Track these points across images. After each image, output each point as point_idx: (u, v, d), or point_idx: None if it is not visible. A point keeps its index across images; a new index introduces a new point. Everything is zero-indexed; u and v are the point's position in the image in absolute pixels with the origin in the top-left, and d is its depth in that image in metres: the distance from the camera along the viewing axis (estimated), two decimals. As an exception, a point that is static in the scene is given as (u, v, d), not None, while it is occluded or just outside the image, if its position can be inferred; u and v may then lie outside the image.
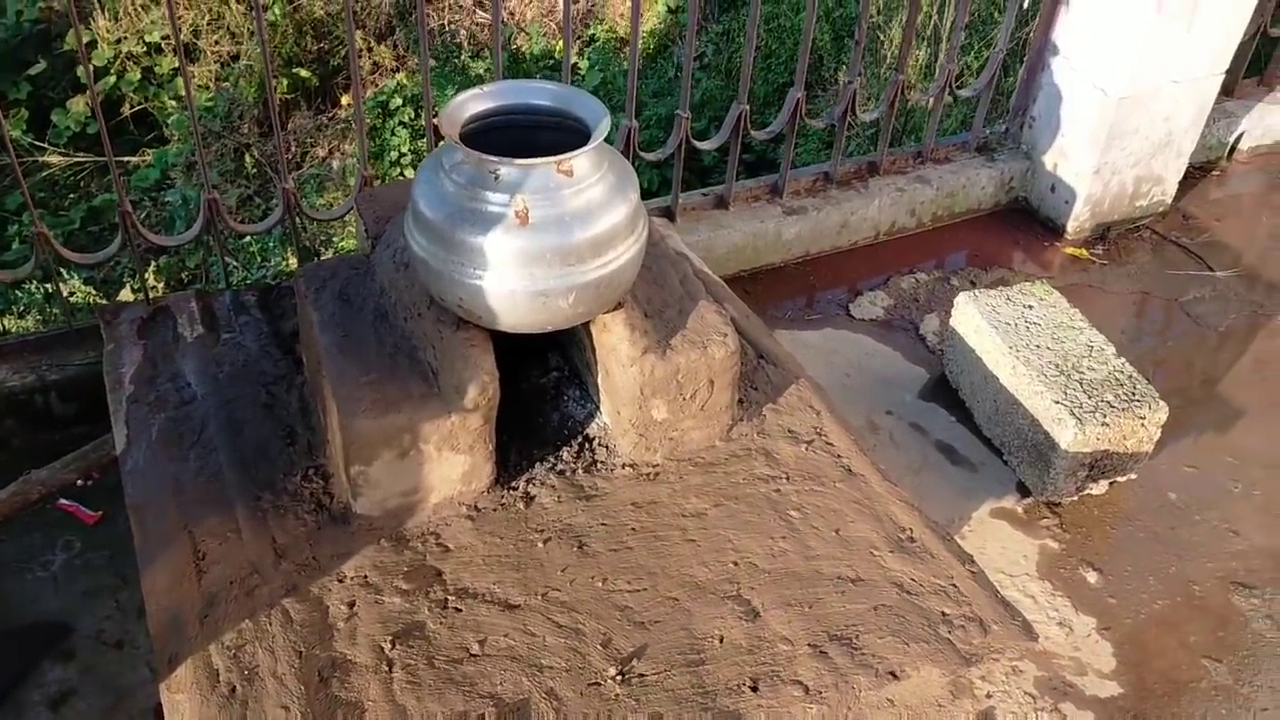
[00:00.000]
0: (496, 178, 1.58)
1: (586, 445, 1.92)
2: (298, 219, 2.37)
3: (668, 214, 2.80)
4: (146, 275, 4.30)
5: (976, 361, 2.47)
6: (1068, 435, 2.21)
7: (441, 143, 1.70)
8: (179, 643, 1.55)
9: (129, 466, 1.82)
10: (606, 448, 1.91)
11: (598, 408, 1.95)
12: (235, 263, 4.97)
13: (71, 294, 4.61)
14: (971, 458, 2.46)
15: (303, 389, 1.98)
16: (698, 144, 2.72)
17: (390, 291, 1.84)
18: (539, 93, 1.73)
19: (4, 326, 4.43)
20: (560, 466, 1.88)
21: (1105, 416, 2.22)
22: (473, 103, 1.69)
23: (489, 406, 1.71)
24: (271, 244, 4.83)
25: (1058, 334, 2.41)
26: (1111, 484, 2.38)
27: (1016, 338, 2.39)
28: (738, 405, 1.98)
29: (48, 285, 4.38)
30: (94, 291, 4.45)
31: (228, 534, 1.71)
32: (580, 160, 1.61)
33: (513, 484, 1.83)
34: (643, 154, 2.64)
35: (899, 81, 2.92)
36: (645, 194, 4.24)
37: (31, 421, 2.23)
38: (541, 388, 2.02)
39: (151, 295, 3.47)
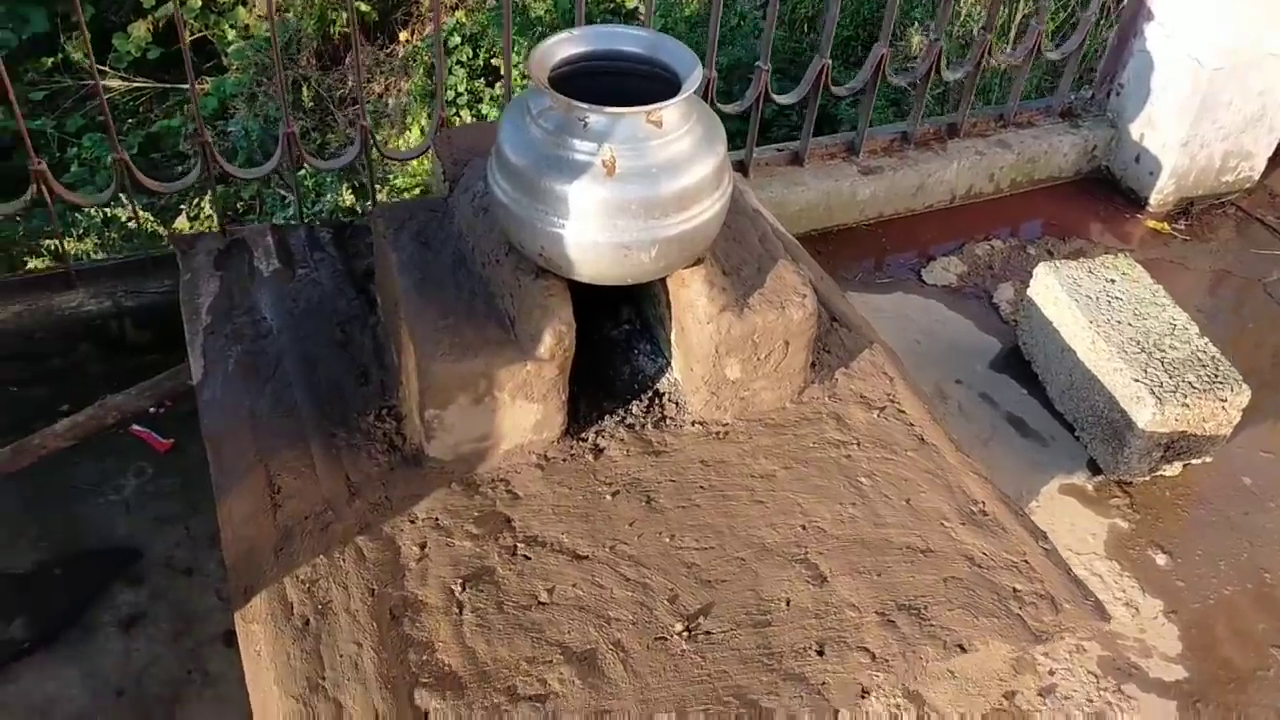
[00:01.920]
0: (585, 125, 1.55)
1: (656, 400, 1.91)
2: (370, 157, 2.36)
3: (741, 168, 2.76)
4: (203, 204, 4.34)
5: (1054, 334, 2.41)
6: (1146, 414, 2.16)
7: (527, 87, 1.67)
8: (254, 574, 1.57)
9: (205, 397, 1.84)
10: (676, 403, 1.90)
11: (668, 363, 1.94)
12: (290, 196, 4.99)
13: (130, 219, 4.65)
14: (1042, 432, 2.42)
15: (376, 329, 1.98)
16: (777, 98, 2.67)
17: (468, 236, 1.82)
18: (629, 39, 1.69)
19: (61, 247, 4.48)
20: (629, 420, 1.87)
21: (1186, 397, 2.17)
22: (561, 47, 1.66)
23: (564, 356, 1.70)
24: (329, 179, 4.84)
25: (1140, 310, 2.35)
26: (1185, 466, 2.33)
27: (1097, 312, 2.33)
28: (810, 368, 1.95)
29: (105, 210, 4.42)
30: (152, 218, 4.48)
31: (302, 469, 1.72)
32: (670, 111, 1.58)
33: (582, 435, 1.83)
34: (719, 105, 2.59)
35: (986, 41, 2.84)
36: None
37: (107, 347, 2.26)
38: (612, 340, 2.00)
39: (207, 225, 3.47)
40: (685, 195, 1.60)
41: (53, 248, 4.40)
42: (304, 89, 5.58)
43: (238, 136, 5.28)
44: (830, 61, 2.66)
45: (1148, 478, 2.31)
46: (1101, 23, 3.49)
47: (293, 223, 2.40)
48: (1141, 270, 2.46)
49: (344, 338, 1.97)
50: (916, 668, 1.57)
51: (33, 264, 4.36)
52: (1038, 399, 2.49)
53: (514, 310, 1.71)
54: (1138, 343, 2.27)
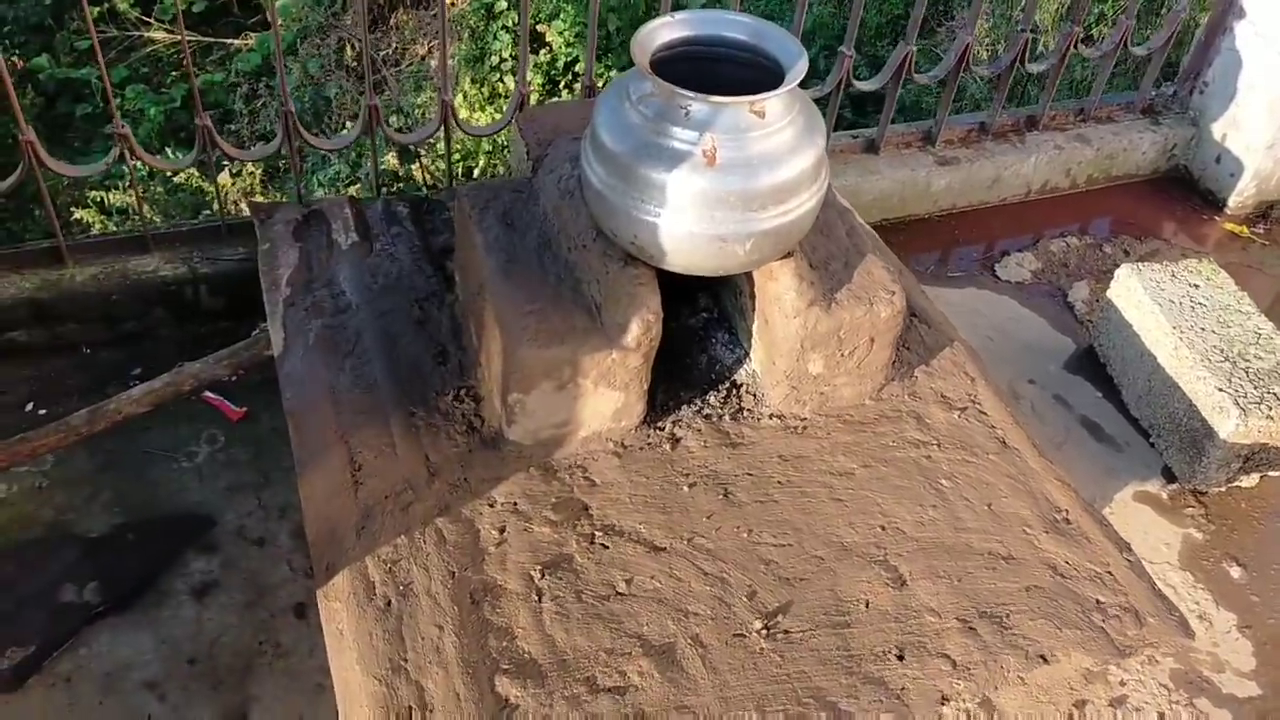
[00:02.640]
0: (686, 114, 1.53)
1: (734, 391, 1.88)
2: (451, 130, 2.34)
3: (817, 155, 2.72)
4: (252, 168, 4.34)
5: (1133, 337, 2.37)
6: (1229, 425, 2.12)
7: (628, 70, 1.64)
8: (336, 552, 1.57)
9: (286, 370, 1.84)
10: (754, 395, 1.88)
11: (747, 354, 1.92)
12: (333, 156, 4.96)
13: (173, 174, 4.65)
14: (1117, 437, 2.38)
15: (454, 308, 1.97)
16: (859, 84, 2.62)
17: (554, 219, 1.80)
18: (732, 25, 1.66)
19: (109, 200, 4.45)
20: (707, 411, 1.85)
21: (1271, 409, 2.12)
22: (664, 30, 1.63)
23: (650, 346, 1.68)
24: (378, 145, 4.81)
25: (1224, 317, 2.30)
26: (1263, 477, 2.29)
27: (1180, 317, 2.28)
28: (890, 365, 1.92)
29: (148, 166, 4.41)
30: (197, 173, 4.49)
31: (383, 447, 1.72)
32: (773, 102, 1.55)
33: (659, 424, 1.81)
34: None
35: (1073, 33, 2.77)
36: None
37: (180, 312, 2.26)
38: (690, 329, 1.98)
39: (249, 182, 3.44)
40: (783, 188, 1.57)
41: (99, 199, 4.42)
42: (347, 49, 5.55)
43: (267, 93, 5.26)
44: (915, 49, 2.60)
45: (1223, 488, 2.27)
46: (1192, 19, 3.41)
47: (368, 196, 2.38)
48: (1225, 276, 2.40)
49: (422, 315, 1.96)
50: (998, 676, 1.55)
51: (79, 214, 4.38)
52: (1113, 403, 2.45)
53: (600, 297, 1.69)
54: (1221, 351, 2.22)
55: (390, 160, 4.89)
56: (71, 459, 2.03)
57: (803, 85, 2.53)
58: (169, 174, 4.57)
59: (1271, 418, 2.12)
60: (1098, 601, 1.65)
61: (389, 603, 1.51)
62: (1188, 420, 2.22)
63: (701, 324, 2.00)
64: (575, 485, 1.72)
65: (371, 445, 1.72)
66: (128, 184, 4.61)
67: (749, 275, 1.80)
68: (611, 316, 1.67)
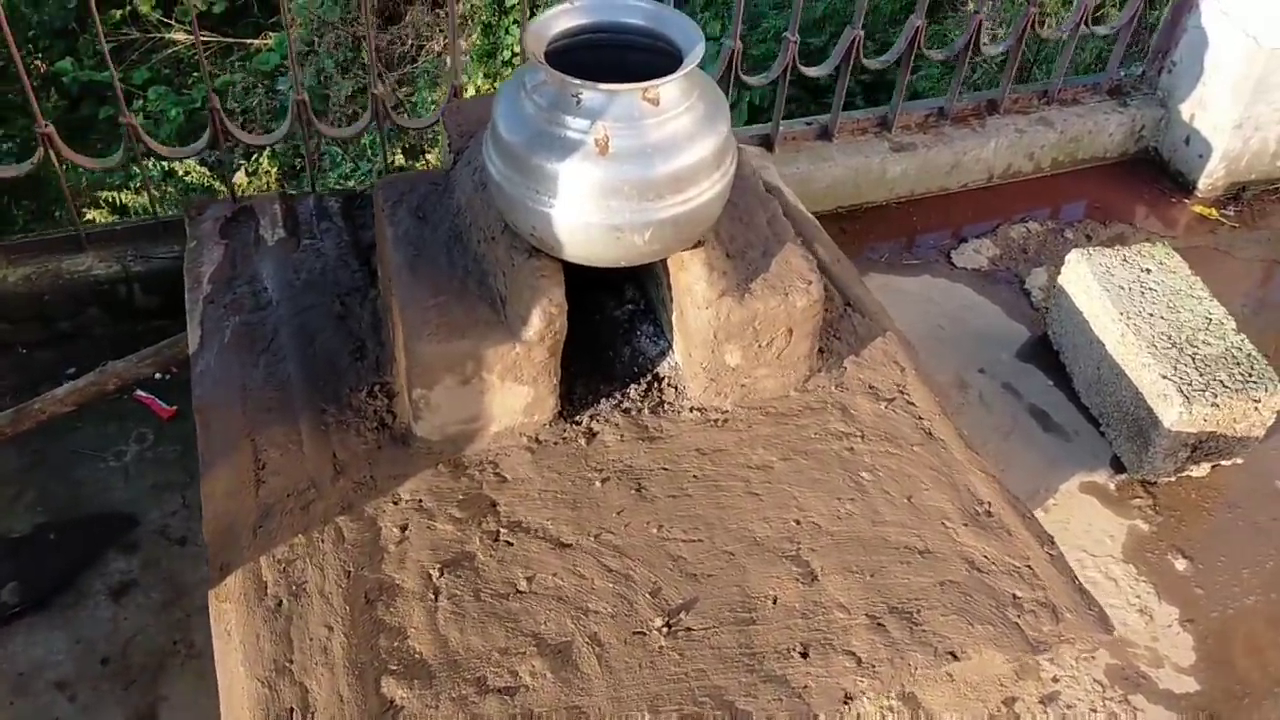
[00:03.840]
0: (578, 102, 1.50)
1: (655, 384, 1.86)
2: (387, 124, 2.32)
3: (766, 143, 2.68)
4: (262, 160, 4.34)
5: (1082, 324, 2.32)
6: (1172, 413, 2.07)
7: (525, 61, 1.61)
8: (232, 551, 1.55)
9: (199, 368, 1.83)
10: (676, 389, 1.85)
11: (670, 346, 1.89)
12: (345, 154, 4.99)
13: (187, 173, 4.68)
14: (1066, 426, 2.33)
15: (376, 302, 1.95)
16: (805, 70, 2.58)
17: (467, 211, 1.78)
18: (631, 10, 1.63)
19: (121, 201, 4.49)
20: (626, 404, 1.82)
21: (1216, 396, 2.07)
22: (561, 19, 1.60)
23: (555, 339, 1.66)
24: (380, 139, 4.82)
25: (1174, 302, 2.25)
26: (1214, 467, 2.23)
27: (1129, 303, 2.23)
28: (818, 355, 1.89)
29: (164, 163, 4.44)
30: (209, 173, 4.52)
31: (289, 445, 1.70)
32: (669, 88, 1.51)
33: (576, 418, 1.78)
34: (745, 78, 2.51)
35: (1030, 13, 2.72)
36: (755, 117, 4.05)
37: (114, 311, 2.25)
38: (615, 320, 1.95)
39: (265, 181, 3.48)
40: (682, 176, 1.54)
41: (112, 200, 4.45)
42: (362, 46, 5.55)
43: (285, 95, 5.29)
44: (863, 33, 2.55)
45: (1173, 478, 2.22)
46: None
47: (307, 191, 2.37)
48: (1179, 260, 2.35)
49: (343, 310, 1.94)
50: (904, 674, 1.52)
51: (91, 215, 4.42)
52: (1064, 391, 2.40)
53: (506, 290, 1.66)
54: (1169, 337, 2.17)
55: (397, 157, 4.89)
56: (-1, 459, 2.03)
57: (757, 69, 2.50)
58: (183, 173, 4.59)
59: (1217, 405, 2.07)
60: (1014, 596, 1.61)
61: (280, 603, 1.49)
62: (1134, 409, 2.17)
63: (627, 316, 1.97)
64: (484, 481, 1.69)
65: (278, 443, 1.70)
66: (139, 183, 4.65)
67: (666, 266, 1.77)
68: (515, 310, 1.64)
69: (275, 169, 4.63)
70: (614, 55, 1.64)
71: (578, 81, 1.48)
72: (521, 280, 1.63)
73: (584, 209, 1.53)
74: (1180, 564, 2.10)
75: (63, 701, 1.70)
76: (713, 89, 1.62)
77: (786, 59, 2.51)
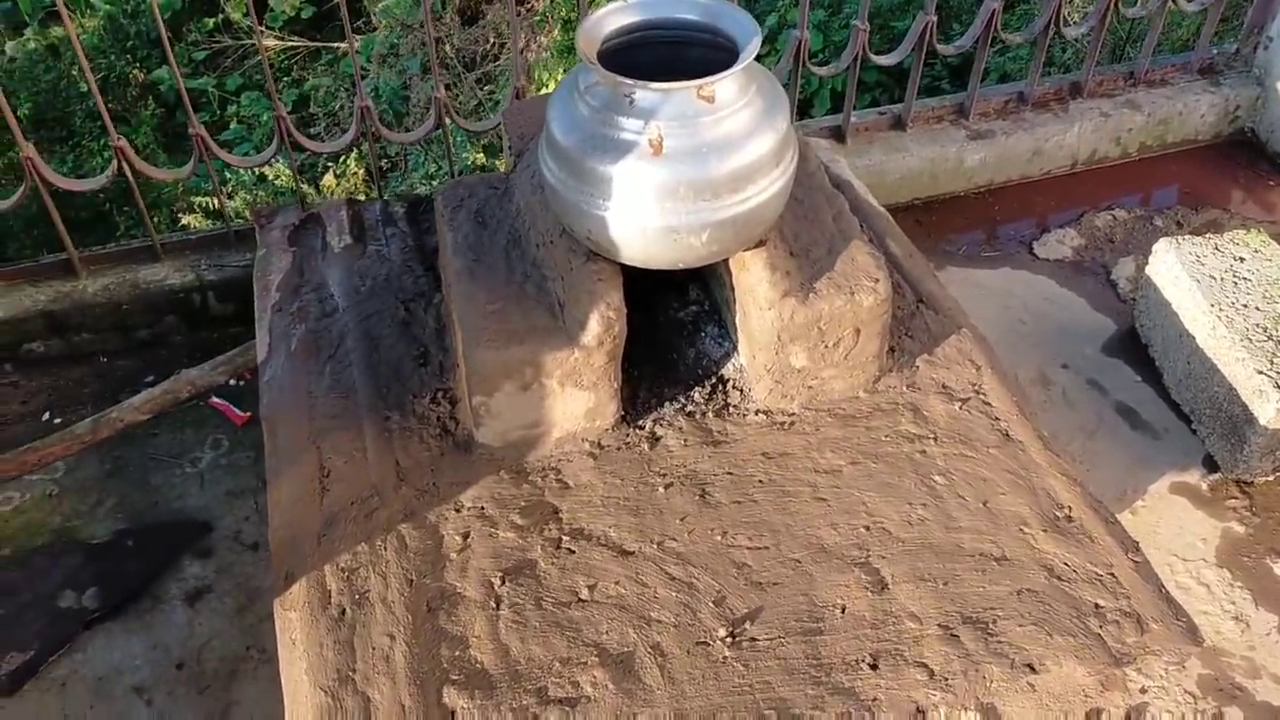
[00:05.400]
0: (631, 102, 1.47)
1: (720, 387, 1.82)
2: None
3: (837, 134, 2.62)
4: (349, 162, 4.41)
5: (1172, 317, 2.21)
6: (1269, 409, 1.96)
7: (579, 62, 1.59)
8: (296, 560, 1.56)
9: (267, 377, 1.85)
10: (741, 391, 1.81)
11: (735, 348, 1.85)
12: (428, 154, 5.05)
13: (276, 177, 4.80)
14: (1155, 424, 2.23)
15: (440, 308, 1.95)
16: (876, 59, 2.51)
17: (525, 215, 1.77)
18: (686, 6, 1.59)
19: (220, 204, 4.66)
20: (690, 408, 1.79)
21: (1317, 392, 1.95)
22: (614, 17, 1.57)
23: (614, 344, 1.63)
24: (464, 139, 4.87)
25: (1270, 292, 2.13)
26: (1317, 465, 2.12)
27: (1221, 294, 2.12)
28: (888, 354, 1.83)
29: (255, 169, 4.56)
30: (300, 177, 4.64)
31: (354, 452, 1.71)
32: (724, 84, 1.47)
33: (639, 422, 1.76)
34: (814, 69, 2.45)
35: (1113, -8, 2.61)
36: (838, 106, 3.95)
37: (191, 319, 2.30)
38: (679, 322, 1.92)
39: (353, 182, 3.54)
40: (739, 175, 1.50)
41: (205, 205, 4.60)
42: (447, 46, 5.62)
43: (368, 96, 5.39)
44: (935, 18, 2.48)
45: (1271, 477, 2.10)
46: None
47: (372, 198, 2.39)
48: (1276, 247, 2.22)
49: (408, 316, 1.95)
50: (978, 687, 1.46)
51: (186, 220, 4.56)
52: (1153, 387, 2.29)
53: (564, 295, 1.65)
54: (1264, 329, 2.05)
55: (477, 156, 4.94)
56: (82, 466, 2.08)
57: (814, 60, 2.45)
58: (273, 178, 4.71)
59: (1318, 401, 1.95)
60: (1096, 606, 1.54)
61: (343, 611, 1.50)
62: (1228, 405, 2.06)
63: (691, 317, 1.94)
64: (546, 488, 1.68)
65: (342, 451, 1.71)
66: (228, 188, 4.78)
67: (728, 266, 1.73)
68: (573, 314, 1.62)
69: (362, 170, 4.71)
70: (669, 52, 1.61)
71: (630, 81, 1.45)
72: (579, 284, 1.61)
73: (640, 211, 1.50)
74: (1279, 568, 1.99)
75: (140, 705, 1.74)
76: (771, 83, 1.58)
77: (856, 48, 2.45)
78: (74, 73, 5.28)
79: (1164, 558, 1.96)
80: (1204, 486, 2.12)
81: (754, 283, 1.66)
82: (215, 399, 2.20)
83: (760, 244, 1.65)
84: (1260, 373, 1.98)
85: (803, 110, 4.69)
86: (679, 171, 1.47)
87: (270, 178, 4.80)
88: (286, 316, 1.95)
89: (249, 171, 4.88)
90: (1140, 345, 2.36)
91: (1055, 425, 2.16)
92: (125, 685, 1.77)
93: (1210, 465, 2.15)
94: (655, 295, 1.93)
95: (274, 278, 2.04)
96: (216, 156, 2.19)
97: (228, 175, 4.94)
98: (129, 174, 2.11)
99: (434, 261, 2.06)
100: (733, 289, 1.75)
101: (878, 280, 1.71)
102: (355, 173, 4.73)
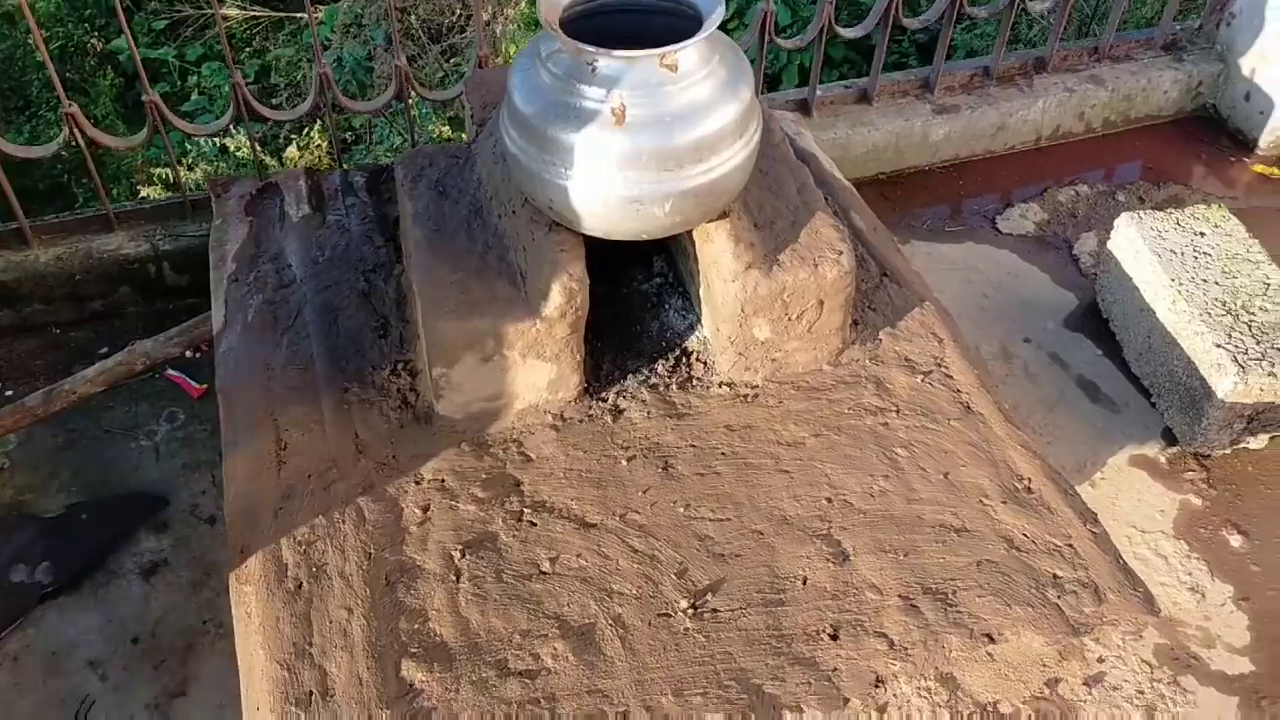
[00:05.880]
0: (593, 70, 1.44)
1: (684, 359, 1.81)
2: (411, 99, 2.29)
3: (803, 108, 2.61)
4: (312, 134, 4.34)
5: (1132, 291, 2.23)
6: (1226, 384, 1.98)
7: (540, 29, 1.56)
8: (253, 533, 1.54)
9: (223, 348, 1.82)
10: (705, 364, 1.80)
11: (699, 320, 1.84)
12: (393, 128, 4.98)
13: (238, 149, 4.73)
14: (1115, 397, 2.25)
15: (400, 279, 1.93)
16: (842, 31, 2.50)
17: (487, 185, 1.74)
18: (649, -27, 1.57)
19: (175, 175, 4.59)
20: (654, 380, 1.78)
21: (1274, 365, 1.97)
22: (577, -17, 1.54)
23: (576, 315, 1.62)
24: (430, 111, 4.80)
25: (1230, 267, 2.14)
26: (1273, 438, 2.14)
27: (1181, 268, 2.14)
28: (852, 327, 1.83)
29: (216, 139, 4.48)
30: (261, 149, 4.57)
31: (311, 425, 1.69)
32: (688, 54, 1.46)
33: (602, 395, 1.75)
34: (779, 41, 2.44)
35: (1078, -32, 2.61)
36: (806, 81, 3.97)
37: (146, 290, 2.26)
38: (643, 294, 1.91)
39: (316, 155, 3.47)
40: (703, 145, 1.49)
41: (165, 176, 4.52)
42: (412, 16, 5.54)
43: (330, 66, 5.32)
44: (901, -9, 2.47)
45: (1228, 450, 2.13)
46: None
47: (333, 168, 2.36)
48: (1236, 222, 2.24)
49: (367, 287, 1.92)
50: (938, 657, 1.47)
51: (146, 192, 4.48)
52: (1113, 361, 2.31)
53: (526, 265, 1.63)
54: (1224, 304, 2.07)
55: (442, 129, 4.87)
56: (34, 439, 2.04)
57: (780, 34, 2.43)
58: (234, 149, 4.64)
59: (1274, 375, 1.98)
60: (1055, 576, 1.55)
61: (300, 585, 1.48)
62: (1187, 379, 2.08)
63: (655, 290, 1.92)
64: (508, 460, 1.67)
65: (300, 423, 1.68)
66: (189, 160, 4.69)
67: (692, 238, 1.72)
68: (535, 285, 1.61)
69: (325, 143, 4.64)
70: (633, 21, 1.59)
71: (592, 49, 1.43)
72: (541, 255, 1.59)
73: (602, 181, 1.48)
74: (1235, 540, 2.02)
75: (94, 680, 1.72)
76: (735, 54, 1.56)
77: (822, 20, 2.43)
78: (30, 41, 5.17)
79: (1122, 529, 1.98)
80: (1162, 459, 2.14)
81: (717, 254, 1.65)
82: (171, 371, 2.16)
83: (724, 215, 1.64)
84: (1219, 346, 2.00)
85: (770, 86, 4.68)
86: (641, 141, 1.45)
87: (232, 150, 4.73)
88: (243, 287, 1.92)
89: (210, 144, 4.79)
90: (1101, 320, 2.38)
91: (1016, 399, 2.17)
92: (79, 660, 1.74)
93: (1169, 438, 2.17)
94: (619, 268, 1.91)
95: (230, 247, 2.00)
96: (172, 125, 2.14)
97: (188, 147, 4.85)
98: (81, 141, 2.06)
99: (394, 232, 2.03)
100: (696, 261, 1.74)
101: (841, 252, 1.71)
102: (319, 145, 4.66)
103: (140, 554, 1.89)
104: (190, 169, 4.69)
